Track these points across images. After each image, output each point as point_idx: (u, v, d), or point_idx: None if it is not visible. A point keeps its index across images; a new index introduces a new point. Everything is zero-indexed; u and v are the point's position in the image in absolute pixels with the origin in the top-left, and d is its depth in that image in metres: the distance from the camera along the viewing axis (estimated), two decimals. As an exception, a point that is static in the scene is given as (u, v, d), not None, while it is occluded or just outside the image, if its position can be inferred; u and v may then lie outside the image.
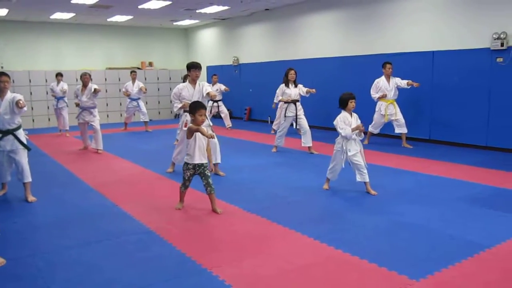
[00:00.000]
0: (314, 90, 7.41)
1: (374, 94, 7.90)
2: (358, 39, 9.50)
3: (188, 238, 3.73)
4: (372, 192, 4.90)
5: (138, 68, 14.12)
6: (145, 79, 13.89)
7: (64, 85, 10.33)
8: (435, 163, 6.50)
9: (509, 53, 6.97)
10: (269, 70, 11.83)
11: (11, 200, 4.99)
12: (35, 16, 11.99)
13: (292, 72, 7.43)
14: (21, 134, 4.88)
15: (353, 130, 4.79)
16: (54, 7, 10.69)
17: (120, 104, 13.45)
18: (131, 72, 10.94)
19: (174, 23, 14.11)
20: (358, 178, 4.92)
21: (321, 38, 10.46)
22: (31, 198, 4.90)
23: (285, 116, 7.47)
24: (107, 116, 13.43)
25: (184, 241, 3.64)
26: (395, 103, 7.89)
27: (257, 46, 12.64)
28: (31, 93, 12.29)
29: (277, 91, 7.79)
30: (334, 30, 10.10)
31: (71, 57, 13.51)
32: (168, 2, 10.33)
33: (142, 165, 6.76)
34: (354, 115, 4.94)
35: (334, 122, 4.94)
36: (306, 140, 7.45)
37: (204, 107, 4.37)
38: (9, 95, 4.73)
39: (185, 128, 4.72)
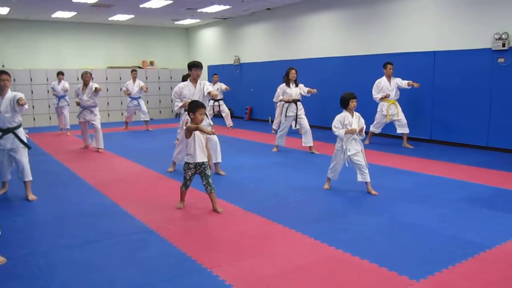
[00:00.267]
0: (315, 90, 7.41)
1: (376, 95, 7.89)
2: (359, 39, 9.49)
3: (188, 237, 3.73)
4: (373, 192, 4.90)
5: (139, 67, 14.12)
6: (146, 78, 13.89)
7: (65, 84, 10.34)
8: (436, 163, 6.50)
9: (511, 54, 6.96)
10: (270, 70, 11.83)
11: (11, 198, 4.99)
12: (36, 15, 12.00)
13: (293, 71, 7.42)
14: (22, 132, 4.88)
15: (346, 132, 4.80)
16: (55, 6, 10.70)
17: (121, 103, 13.45)
18: (132, 71, 10.95)
19: (175, 22, 14.11)
20: (359, 178, 4.92)
21: (322, 38, 10.46)
22: (31, 196, 4.90)
23: (285, 116, 7.46)
24: (108, 115, 13.43)
25: (184, 240, 3.64)
26: (396, 103, 7.88)
27: (258, 45, 12.64)
28: (32, 92, 12.30)
29: (278, 90, 7.79)
30: (335, 30, 10.10)
31: (72, 56, 13.52)
32: (169, 1, 10.33)
33: (143, 164, 6.76)
34: (356, 114, 4.93)
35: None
36: (307, 140, 7.45)
37: (204, 106, 4.37)
38: (9, 93, 4.73)
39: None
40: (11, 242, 3.64)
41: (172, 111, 14.41)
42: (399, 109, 7.86)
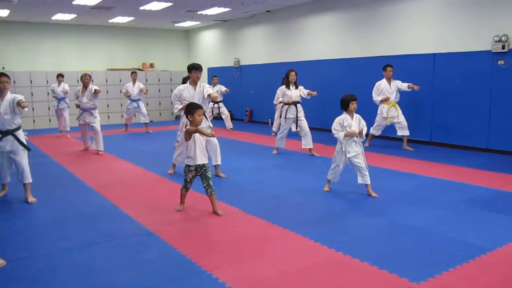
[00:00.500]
0: (315, 92, 7.41)
1: (376, 97, 7.90)
2: (359, 41, 9.50)
3: (188, 239, 3.73)
4: (373, 194, 4.89)
5: (139, 69, 14.13)
6: (146, 80, 13.90)
7: (65, 86, 10.35)
8: (436, 165, 6.49)
9: (511, 56, 6.96)
10: (270, 72, 11.83)
11: (11, 201, 4.98)
12: (36, 17, 12.01)
13: (293, 73, 7.42)
14: (21, 134, 4.88)
15: (345, 135, 4.81)
16: (55, 8, 10.71)
17: (121, 105, 13.45)
18: (132, 73, 10.94)
19: (175, 25, 14.12)
20: (360, 180, 4.92)
21: (322, 40, 10.47)
22: (31, 199, 4.90)
23: (285, 118, 7.46)
24: (108, 117, 13.43)
25: (184, 242, 3.63)
26: (396, 105, 7.88)
27: (258, 47, 12.65)
28: (32, 94, 12.30)
29: (278, 92, 7.77)
30: (335, 32, 10.11)
31: (72, 58, 13.52)
32: (169, 4, 10.34)
33: (143, 167, 6.76)
34: (357, 116, 4.93)
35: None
36: (307, 142, 7.44)
37: (201, 107, 4.36)
38: (9, 95, 4.73)
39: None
40: (10, 245, 3.63)
41: (172, 113, 14.40)
42: (399, 111, 7.86)
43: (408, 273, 2.97)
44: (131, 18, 12.51)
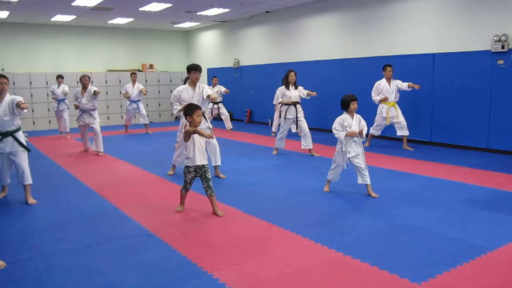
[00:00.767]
0: (315, 93, 7.40)
1: (375, 97, 7.90)
2: (359, 41, 9.50)
3: (188, 240, 3.72)
4: (373, 194, 4.89)
5: (139, 70, 14.13)
6: (146, 81, 13.90)
7: (65, 87, 10.34)
8: (436, 165, 6.49)
9: (510, 55, 6.96)
10: (269, 72, 11.83)
11: (11, 202, 4.98)
12: (36, 19, 12.00)
13: (292, 73, 7.41)
14: (21, 136, 4.88)
15: (346, 135, 4.81)
16: (55, 10, 10.71)
17: (121, 106, 13.45)
18: (131, 74, 10.94)
19: (175, 26, 14.12)
20: (360, 181, 4.92)
21: (321, 41, 10.46)
22: (31, 200, 4.89)
23: (285, 118, 7.45)
24: (108, 118, 13.43)
25: (184, 243, 3.63)
26: (396, 105, 7.88)
27: (257, 48, 12.65)
28: (31, 95, 12.29)
29: (277, 92, 7.76)
30: (334, 33, 10.11)
31: (72, 59, 13.53)
32: (169, 5, 10.34)
33: (143, 168, 6.76)
34: (357, 116, 4.93)
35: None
36: (307, 142, 7.44)
37: (200, 108, 4.36)
38: (8, 97, 4.72)
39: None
40: (10, 246, 3.63)
41: (172, 114, 14.41)
42: (399, 111, 7.86)
43: (408, 274, 2.96)
44: (131, 19, 12.50)
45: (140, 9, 10.75)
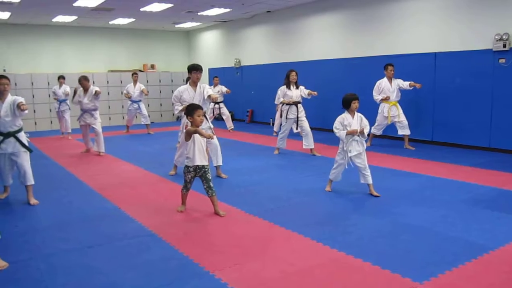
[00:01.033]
0: (316, 92, 7.40)
1: (377, 96, 7.89)
2: (360, 41, 9.49)
3: (190, 240, 3.72)
4: (375, 194, 4.88)
5: (140, 71, 14.14)
6: (147, 81, 13.92)
7: (66, 88, 10.35)
8: (438, 165, 6.48)
9: (512, 54, 6.96)
10: (271, 72, 11.83)
11: (13, 203, 4.98)
12: (37, 19, 12.02)
13: (294, 73, 7.40)
14: (23, 136, 4.88)
15: (347, 133, 4.81)
16: (56, 10, 10.72)
17: (122, 106, 13.46)
18: (132, 74, 10.95)
19: (176, 26, 14.13)
20: (362, 180, 4.92)
21: (322, 40, 10.46)
22: (33, 201, 4.90)
23: (286, 118, 7.45)
24: (109, 118, 13.45)
25: (186, 243, 3.63)
26: (397, 104, 7.87)
27: (258, 48, 12.65)
28: (33, 96, 12.32)
29: (278, 92, 7.74)
30: (335, 32, 10.10)
31: (73, 60, 13.54)
32: (170, 5, 10.35)
33: (144, 168, 6.76)
34: (358, 115, 4.92)
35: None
36: (308, 142, 7.43)
37: (201, 108, 4.36)
38: (9, 97, 4.73)
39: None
40: (12, 247, 3.63)
41: (173, 114, 14.42)
42: (400, 110, 7.85)
43: (410, 273, 2.96)
44: (132, 20, 12.51)
45: (141, 9, 10.76)
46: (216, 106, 10.89)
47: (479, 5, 7.35)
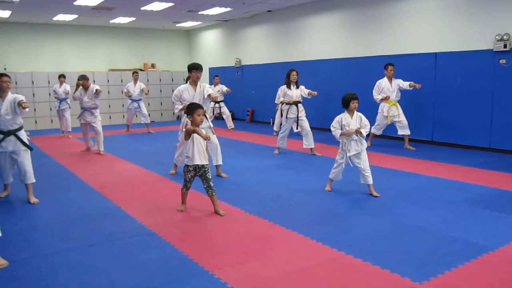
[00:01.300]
0: (316, 92, 7.40)
1: (377, 96, 7.89)
2: (360, 41, 9.49)
3: (190, 240, 3.72)
4: (375, 194, 4.88)
5: (141, 70, 14.14)
6: (148, 80, 13.92)
7: (66, 87, 10.35)
8: (438, 165, 6.48)
9: (512, 55, 6.96)
10: (271, 72, 11.83)
11: (13, 201, 4.99)
12: (38, 18, 12.03)
13: (294, 73, 7.40)
14: (23, 134, 4.88)
15: (341, 134, 4.82)
16: (56, 9, 10.72)
17: (123, 105, 13.46)
18: (133, 73, 10.95)
19: (177, 25, 14.13)
20: (362, 180, 4.93)
21: (323, 40, 10.46)
22: (33, 199, 4.91)
23: (286, 118, 7.45)
24: (110, 117, 13.45)
25: (186, 243, 3.63)
26: (397, 104, 7.87)
27: (259, 47, 12.64)
28: (34, 95, 12.32)
29: (278, 91, 7.74)
30: (336, 32, 10.10)
31: (73, 59, 13.55)
32: (171, 4, 10.35)
33: (144, 167, 6.76)
34: (357, 115, 4.92)
35: None
36: (308, 141, 7.43)
37: (201, 107, 4.36)
38: (10, 96, 4.73)
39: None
40: (12, 245, 3.63)
41: (174, 114, 14.41)
42: (400, 110, 7.85)
43: (410, 273, 2.96)
44: (132, 19, 12.52)
45: (142, 8, 10.76)
46: (217, 105, 10.89)
47: (480, 5, 7.35)
